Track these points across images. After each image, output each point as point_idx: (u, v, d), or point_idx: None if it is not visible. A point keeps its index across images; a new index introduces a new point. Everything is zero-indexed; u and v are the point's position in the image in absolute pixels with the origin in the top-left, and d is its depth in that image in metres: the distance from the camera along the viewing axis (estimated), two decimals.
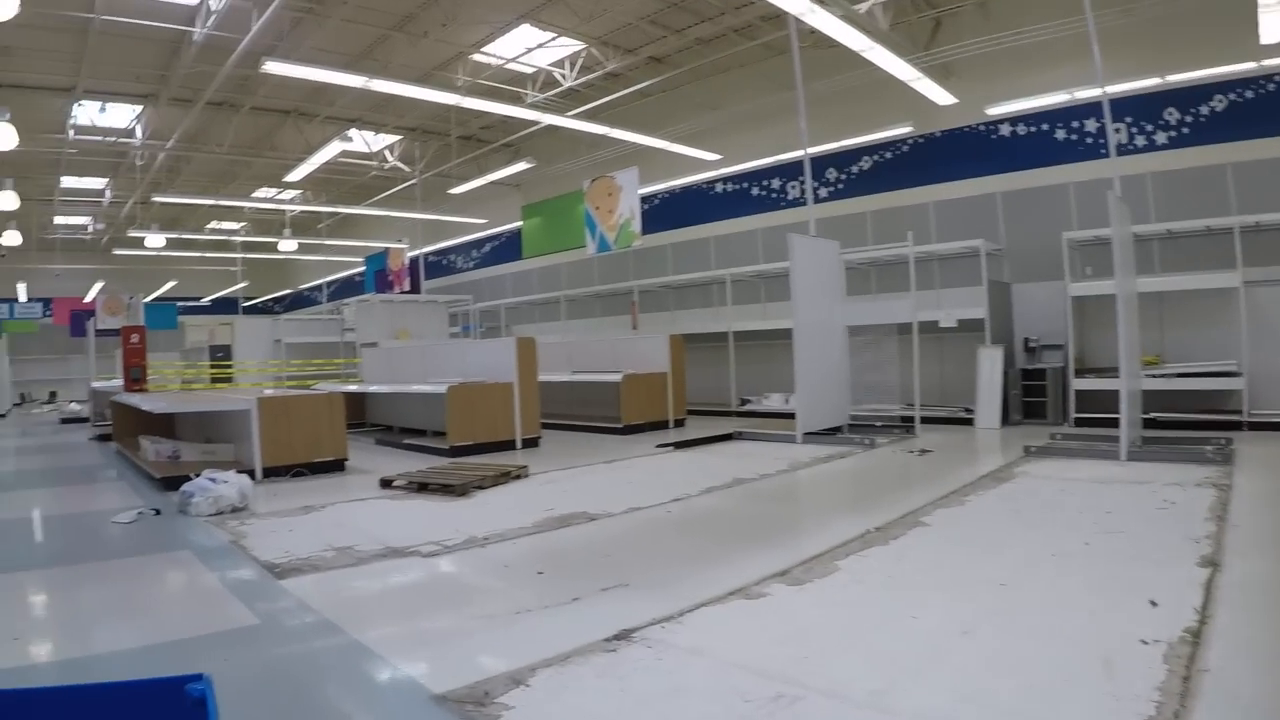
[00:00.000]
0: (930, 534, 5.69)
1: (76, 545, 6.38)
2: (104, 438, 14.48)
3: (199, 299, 36.86)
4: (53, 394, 32.42)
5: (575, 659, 3.48)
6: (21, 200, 20.49)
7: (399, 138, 21.91)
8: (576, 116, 16.75)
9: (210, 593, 4.84)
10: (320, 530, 6.35)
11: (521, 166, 19.00)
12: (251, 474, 8.34)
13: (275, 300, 38.69)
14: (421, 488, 7.98)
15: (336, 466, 9.45)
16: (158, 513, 7.18)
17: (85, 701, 1.68)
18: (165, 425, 11.34)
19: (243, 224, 31.61)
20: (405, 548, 5.62)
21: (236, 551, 5.74)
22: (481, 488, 7.98)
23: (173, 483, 8.05)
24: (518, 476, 8.60)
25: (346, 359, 19.92)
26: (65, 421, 20.63)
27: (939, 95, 13.41)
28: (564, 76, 16.69)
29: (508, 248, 24.04)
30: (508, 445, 11.24)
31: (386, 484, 8.27)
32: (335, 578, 5.00)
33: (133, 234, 26.42)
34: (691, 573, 4.84)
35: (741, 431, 12.03)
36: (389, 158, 22.45)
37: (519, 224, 21.43)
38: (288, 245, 26.97)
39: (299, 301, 37.34)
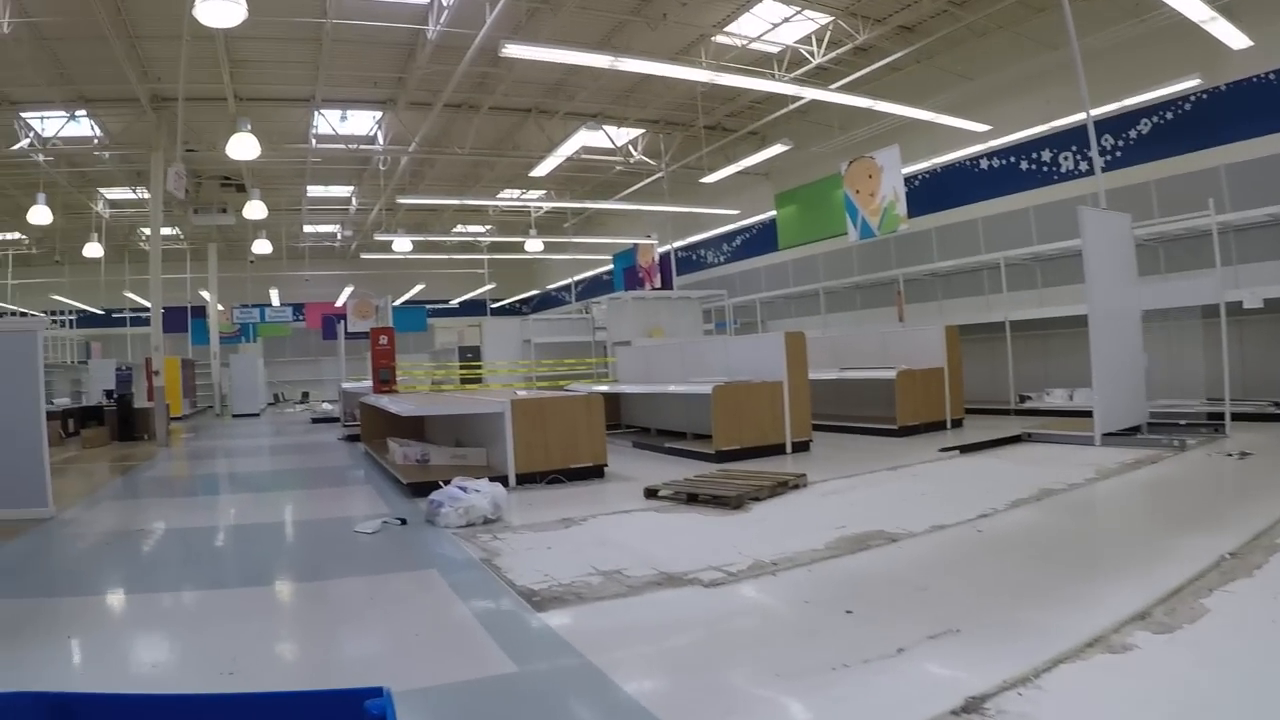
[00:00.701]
0: None
1: (316, 558, 6.05)
2: (353, 438, 14.67)
3: (447, 301, 38.11)
4: (305, 394, 34.29)
5: None
6: (271, 210, 21.29)
7: (642, 131, 21.47)
8: (837, 91, 15.74)
9: (458, 626, 4.23)
10: (582, 548, 5.68)
11: (778, 149, 18.06)
12: (504, 481, 7.90)
13: (522, 301, 39.54)
14: (691, 499, 7.21)
15: (595, 473, 8.85)
16: (403, 522, 6.76)
17: (259, 709, 1.62)
18: (414, 427, 11.12)
19: (488, 226, 32.19)
20: (682, 574, 4.83)
21: (488, 572, 5.13)
22: (757, 499, 7.16)
23: (420, 489, 7.70)
24: (796, 486, 7.74)
25: (598, 358, 19.61)
26: (316, 421, 21.51)
27: (1234, 38, 11.68)
28: (811, 54, 15.71)
29: (760, 240, 23.25)
30: (776, 450, 10.34)
31: (651, 494, 7.56)
32: (603, 611, 4.27)
33: (380, 238, 27.18)
34: (1030, 614, 3.94)
35: (1031, 433, 10.68)
36: (633, 152, 22.05)
37: (771, 214, 20.74)
38: (534, 245, 27.16)
39: (546, 302, 38.01)
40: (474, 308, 37.16)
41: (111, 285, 30.49)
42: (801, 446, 10.59)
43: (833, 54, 15.60)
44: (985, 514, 6.22)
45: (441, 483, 7.03)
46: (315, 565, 5.74)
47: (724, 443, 9.99)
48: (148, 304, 33.82)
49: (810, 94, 15.42)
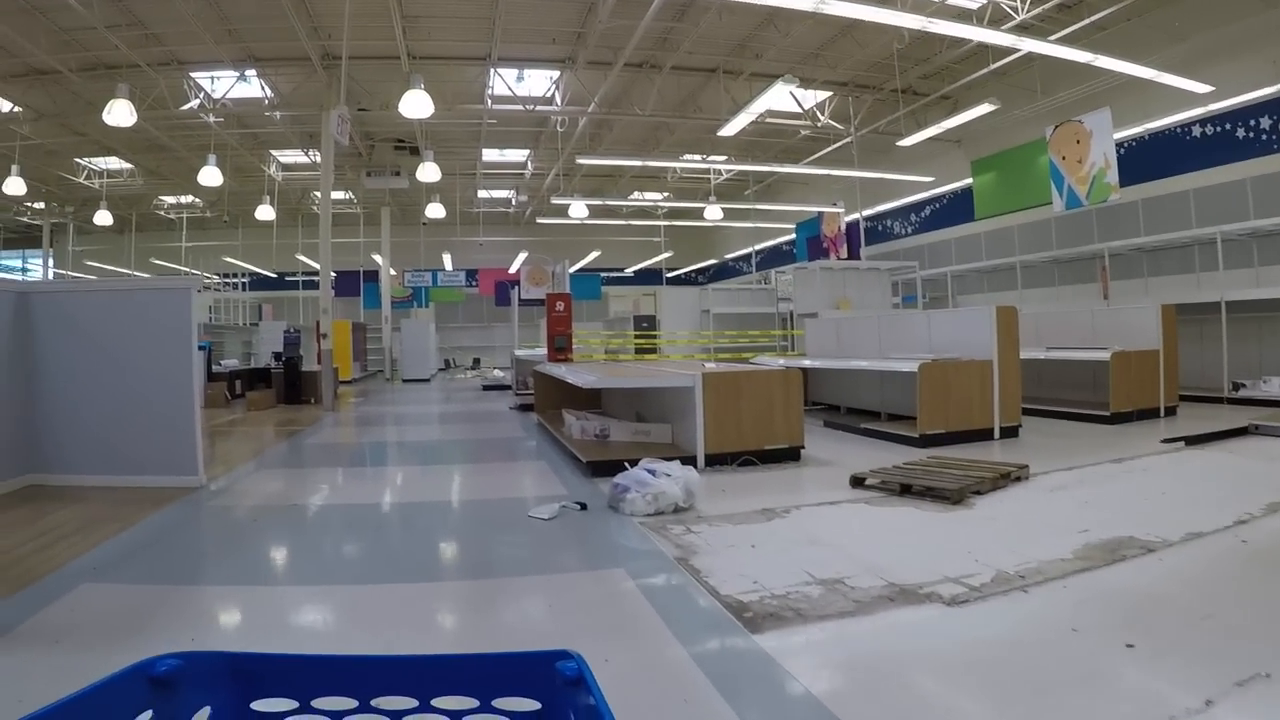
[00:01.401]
0: None
1: (484, 548, 5.53)
2: (525, 408, 14.46)
3: (622, 270, 37.99)
4: (475, 361, 34.76)
5: None
6: (444, 174, 21.25)
7: (829, 94, 20.43)
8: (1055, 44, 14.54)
9: (659, 655, 3.49)
10: (790, 547, 5.05)
11: (985, 109, 16.67)
12: (692, 462, 7.34)
13: (697, 271, 38.96)
14: (904, 490, 6.49)
15: (790, 455, 8.20)
16: (583, 507, 6.24)
17: (442, 670, 1.55)
18: (590, 399, 10.69)
19: (665, 193, 31.72)
20: (915, 586, 4.15)
21: (686, 575, 4.51)
22: (979, 492, 6.41)
23: (601, 469, 7.28)
24: (1018, 479, 6.95)
25: (781, 330, 18.97)
26: (487, 389, 21.46)
27: None
28: (1015, 9, 14.50)
29: (951, 210, 22.05)
30: (983, 435, 9.52)
31: (858, 482, 6.87)
32: (831, 634, 3.61)
33: (556, 201, 26.96)
34: None
35: (1258, 425, 9.54)
36: (820, 116, 21.04)
37: (963, 183, 19.63)
38: (713, 212, 26.49)
39: (722, 272, 37.38)
40: (648, 277, 37.12)
41: (284, 249, 31.61)
42: (1010, 432, 9.75)
43: (1038, 9, 14.38)
44: (1242, 520, 5.37)
45: (626, 464, 6.52)
46: (482, 558, 5.27)
47: (928, 425, 9.23)
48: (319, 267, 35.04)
49: (1028, 45, 14.17)
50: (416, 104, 13.83)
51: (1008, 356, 9.73)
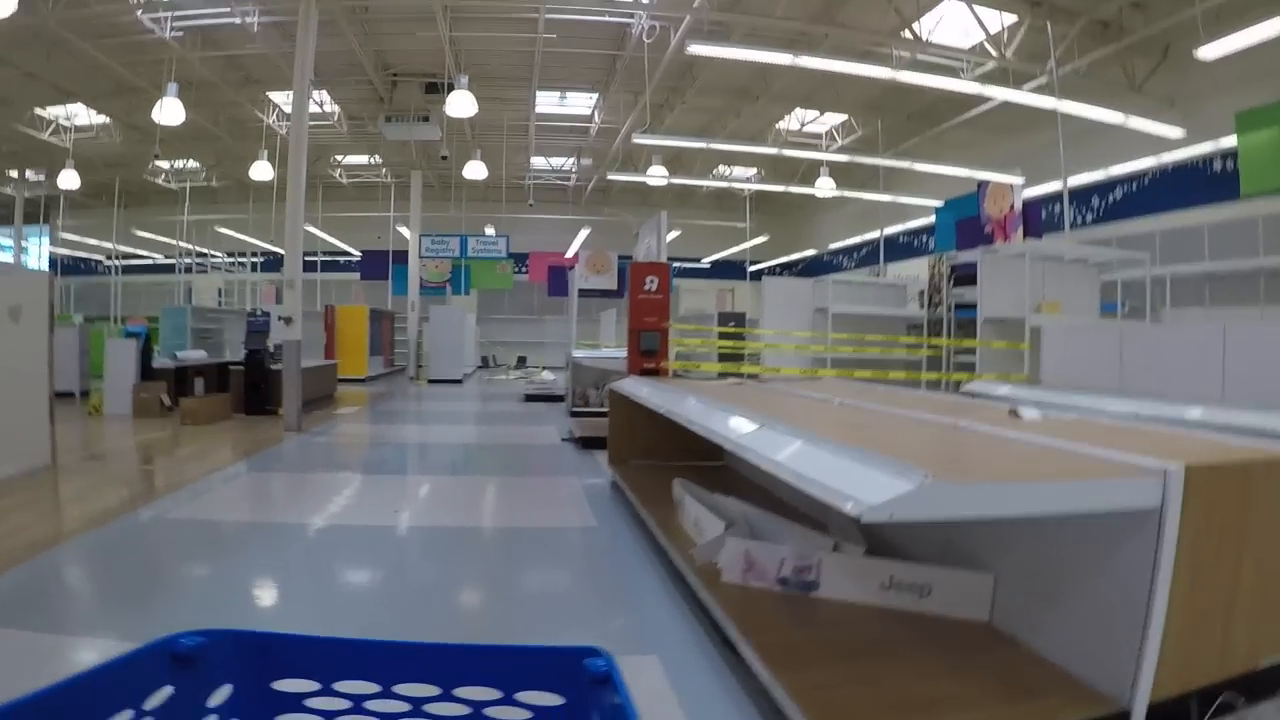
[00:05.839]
0: None
1: None
2: (588, 444, 9.69)
3: (698, 260, 33.37)
4: (521, 359, 30.61)
5: None
6: (488, 127, 19.54)
7: (1014, 20, 14.74)
8: None
9: None
10: None
11: None
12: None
13: (784, 266, 33.42)
14: None
15: None
16: None
17: (470, 659, 1.55)
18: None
19: (755, 171, 26.98)
20: None
21: None
22: None
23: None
24: None
25: (930, 337, 14.02)
26: (530, 399, 16.69)
27: None
28: None
29: (1188, 181, 15.66)
30: None
31: None
32: None
33: (616, 177, 22.76)
34: None
35: None
36: (1001, 49, 15.22)
37: (1222, 144, 14.27)
38: (824, 185, 21.43)
39: (817, 267, 31.47)
40: (726, 270, 32.74)
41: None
42: None
43: None
44: None
45: None
46: None
47: None
48: (343, 245, 30.45)
49: None
50: None
51: None
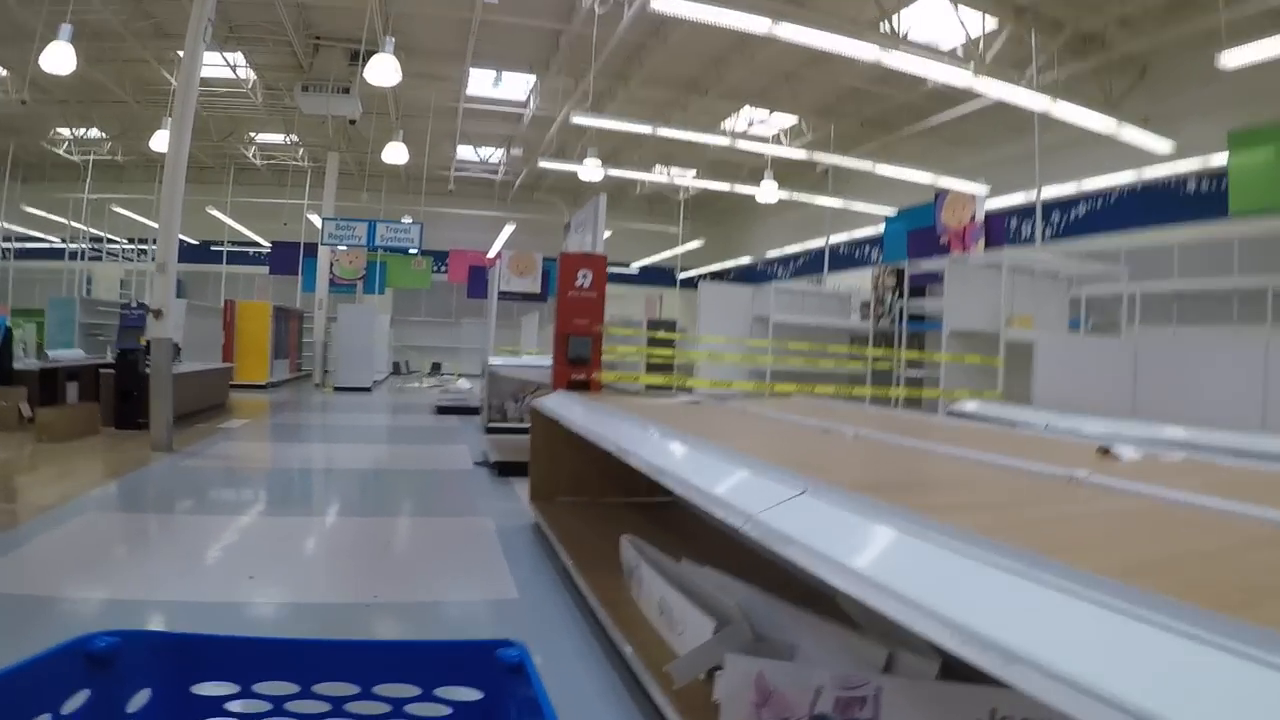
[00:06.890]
0: None
1: None
2: (504, 469, 8.31)
3: (627, 264, 32.16)
4: (435, 366, 29.15)
5: None
6: (415, 109, 19.07)
7: (994, 26, 13.97)
8: None
9: None
10: None
11: None
12: None
13: (715, 275, 32.11)
14: None
15: None
16: None
17: (387, 655, 1.60)
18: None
19: (692, 171, 25.75)
20: None
21: None
22: None
23: None
24: None
25: (878, 348, 13.50)
26: (443, 411, 15.23)
27: None
28: None
29: (1166, 199, 15.05)
30: None
31: None
32: None
33: (549, 165, 21.21)
34: None
35: None
36: (968, 49, 14.31)
37: (1210, 160, 13.76)
38: (767, 189, 20.61)
39: (751, 275, 30.50)
40: (654, 276, 32.02)
41: (197, 206, 24.16)
42: None
43: None
44: None
45: None
46: None
47: None
48: (253, 235, 28.58)
49: None
50: None
51: None
